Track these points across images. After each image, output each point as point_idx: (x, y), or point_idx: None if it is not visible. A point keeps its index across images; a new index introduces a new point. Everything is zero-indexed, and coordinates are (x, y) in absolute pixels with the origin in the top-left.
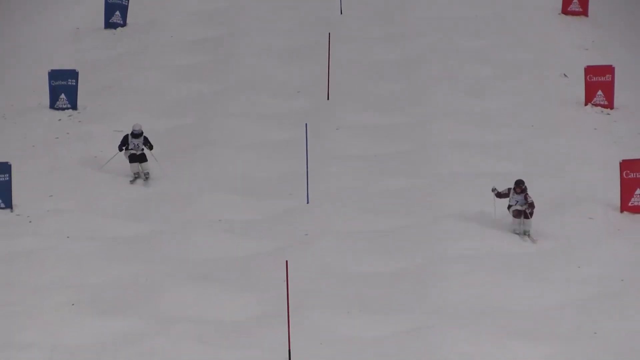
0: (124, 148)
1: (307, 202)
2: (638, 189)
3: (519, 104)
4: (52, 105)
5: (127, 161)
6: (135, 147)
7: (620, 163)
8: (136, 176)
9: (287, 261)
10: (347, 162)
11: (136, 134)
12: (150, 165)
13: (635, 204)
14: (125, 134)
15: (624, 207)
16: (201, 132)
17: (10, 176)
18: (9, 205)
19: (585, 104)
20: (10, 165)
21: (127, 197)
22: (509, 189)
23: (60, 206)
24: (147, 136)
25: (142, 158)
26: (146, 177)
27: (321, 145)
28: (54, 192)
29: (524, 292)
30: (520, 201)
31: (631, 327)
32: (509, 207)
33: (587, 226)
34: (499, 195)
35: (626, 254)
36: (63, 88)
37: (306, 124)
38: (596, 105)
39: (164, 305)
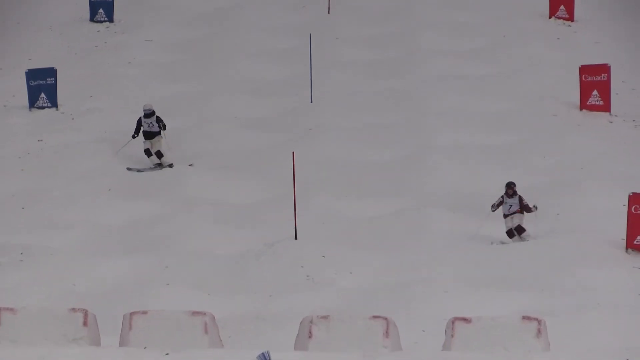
0: (136, 135)
1: (311, 102)
2: None
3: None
4: (92, 18)
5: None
6: (149, 127)
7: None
8: (147, 153)
9: (293, 152)
10: (346, 67)
11: (148, 114)
12: (163, 143)
13: None
14: (138, 117)
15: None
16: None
17: (55, 80)
18: (54, 104)
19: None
20: (55, 70)
21: (158, 95)
22: (502, 197)
23: (99, 105)
24: (159, 115)
25: (154, 137)
26: (170, 165)
27: (323, 53)
28: (93, 93)
29: (495, 178)
30: (514, 205)
31: (589, 206)
32: (505, 215)
33: (551, 122)
34: (495, 207)
35: (585, 145)
36: (101, 3)
37: (310, 34)
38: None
39: (188, 190)
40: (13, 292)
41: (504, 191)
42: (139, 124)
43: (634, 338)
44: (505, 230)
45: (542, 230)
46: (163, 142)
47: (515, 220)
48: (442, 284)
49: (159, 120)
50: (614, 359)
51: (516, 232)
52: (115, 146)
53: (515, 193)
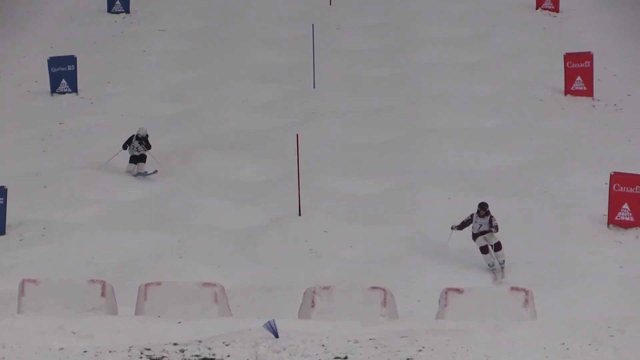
0: (128, 147)
1: (314, 87)
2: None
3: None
4: (109, 9)
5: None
6: (135, 150)
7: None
8: (130, 173)
9: (297, 134)
10: (346, 55)
11: (140, 138)
12: (149, 164)
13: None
14: (131, 134)
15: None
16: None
17: (75, 66)
18: (74, 90)
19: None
20: (75, 58)
21: (172, 81)
22: (471, 215)
23: (116, 90)
24: (148, 134)
25: (141, 158)
26: (145, 173)
27: (325, 42)
28: (110, 79)
29: (485, 157)
30: (484, 225)
31: (572, 184)
32: (474, 235)
33: (537, 106)
34: (461, 227)
35: (568, 128)
36: None
37: (313, 25)
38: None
39: (199, 169)
40: (36, 264)
41: (476, 211)
42: (130, 140)
43: (615, 308)
44: (478, 247)
45: (527, 208)
46: (147, 163)
47: (490, 238)
48: (435, 256)
49: (146, 143)
50: (597, 327)
51: (493, 248)
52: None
53: (487, 213)
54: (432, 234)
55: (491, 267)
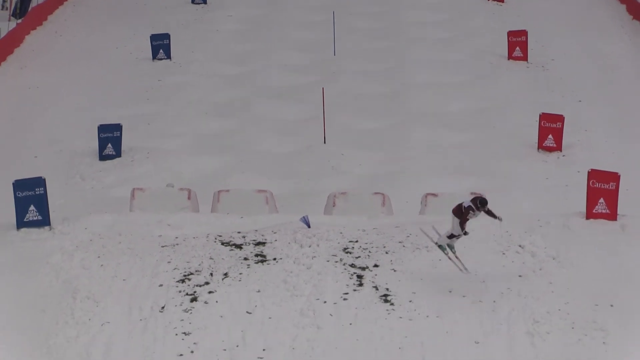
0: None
1: (334, 55)
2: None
3: None
4: (192, 1)
5: None
6: None
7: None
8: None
9: (323, 88)
10: (357, 32)
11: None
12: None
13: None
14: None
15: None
16: (276, 15)
17: (169, 41)
18: (169, 57)
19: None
20: (169, 35)
21: (235, 51)
22: (470, 210)
23: (198, 57)
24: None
25: None
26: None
27: (342, 23)
28: (194, 50)
29: (455, 102)
30: (477, 216)
31: (513, 119)
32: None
33: (489, 67)
34: (464, 224)
35: (510, 82)
36: None
37: (333, 12)
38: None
39: (255, 112)
40: (142, 178)
41: (476, 206)
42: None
43: (543, 207)
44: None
45: (482, 138)
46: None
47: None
48: (420, 171)
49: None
50: (530, 220)
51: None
52: (207, 85)
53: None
54: (416, 157)
55: (441, 247)
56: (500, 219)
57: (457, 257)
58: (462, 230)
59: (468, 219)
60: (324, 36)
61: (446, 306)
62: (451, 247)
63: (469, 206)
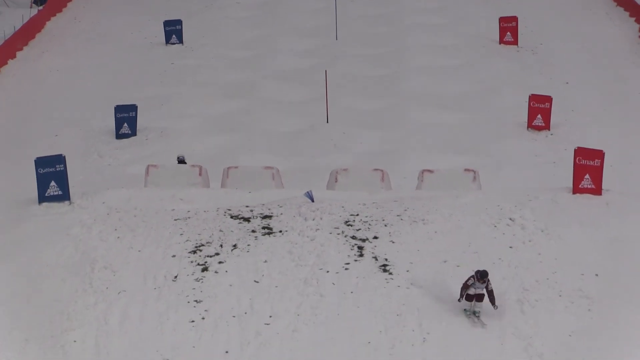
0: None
1: (336, 39)
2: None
3: None
4: None
5: None
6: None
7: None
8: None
9: (325, 70)
10: (357, 19)
11: (180, 161)
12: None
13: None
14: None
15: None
16: (282, 3)
17: (181, 26)
18: (181, 42)
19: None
20: (181, 21)
21: (243, 36)
22: (470, 280)
23: (208, 42)
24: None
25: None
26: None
27: (343, 10)
28: (204, 35)
29: (450, 84)
30: (479, 289)
31: (503, 101)
32: (469, 296)
33: (481, 51)
34: (463, 293)
35: (502, 65)
36: None
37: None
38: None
39: (261, 93)
40: (156, 155)
41: (476, 278)
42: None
43: (532, 182)
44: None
45: (475, 118)
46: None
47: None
48: (416, 149)
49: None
50: (520, 194)
51: (475, 298)
52: (217, 69)
53: (484, 282)
54: (413, 136)
55: (466, 313)
56: (495, 307)
57: (478, 318)
58: (460, 297)
59: (469, 285)
60: (326, 22)
61: (441, 276)
62: (475, 312)
63: (471, 275)
